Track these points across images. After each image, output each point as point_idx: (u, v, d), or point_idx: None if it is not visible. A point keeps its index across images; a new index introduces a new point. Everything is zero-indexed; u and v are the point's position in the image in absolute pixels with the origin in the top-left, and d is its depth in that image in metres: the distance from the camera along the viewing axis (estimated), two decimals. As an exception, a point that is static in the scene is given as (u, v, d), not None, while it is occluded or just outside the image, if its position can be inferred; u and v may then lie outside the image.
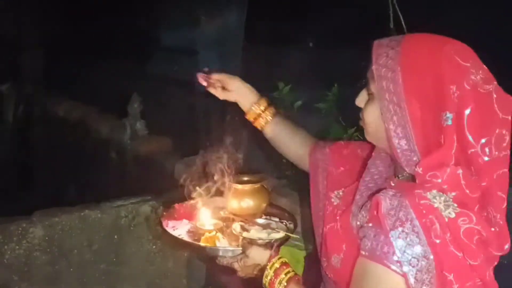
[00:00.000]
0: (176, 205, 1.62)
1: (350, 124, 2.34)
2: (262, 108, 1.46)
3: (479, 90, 1.01)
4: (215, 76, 1.50)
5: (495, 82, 1.04)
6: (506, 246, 1.04)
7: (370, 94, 1.13)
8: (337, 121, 2.32)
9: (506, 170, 1.05)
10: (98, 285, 2.17)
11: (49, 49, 5.76)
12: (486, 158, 1.01)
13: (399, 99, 1.04)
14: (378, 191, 1.05)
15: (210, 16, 3.65)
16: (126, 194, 2.31)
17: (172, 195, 2.32)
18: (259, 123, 1.47)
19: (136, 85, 4.11)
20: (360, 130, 1.94)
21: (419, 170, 1.02)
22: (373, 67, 1.08)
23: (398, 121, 1.05)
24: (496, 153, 1.02)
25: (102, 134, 3.84)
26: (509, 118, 1.04)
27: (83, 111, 4.23)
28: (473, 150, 1.01)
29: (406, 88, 1.03)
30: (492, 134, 1.02)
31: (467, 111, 1.00)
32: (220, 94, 1.50)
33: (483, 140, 1.01)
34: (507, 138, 1.04)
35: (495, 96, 1.03)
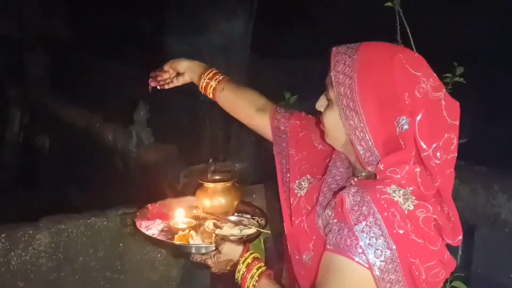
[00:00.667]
0: (149, 205, 1.67)
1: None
2: (210, 75, 1.53)
3: (428, 97, 1.09)
4: (165, 67, 1.60)
5: (444, 90, 1.12)
6: (460, 237, 1.14)
7: (329, 100, 1.18)
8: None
9: (453, 169, 1.14)
10: (102, 292, 2.18)
11: (57, 55, 5.80)
12: (437, 161, 1.09)
13: (355, 105, 1.10)
14: (341, 189, 1.12)
15: (218, 25, 3.67)
16: (131, 201, 2.32)
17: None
18: (209, 91, 1.54)
19: (142, 93, 4.13)
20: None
21: (381, 166, 1.10)
22: (331, 73, 1.14)
23: (356, 125, 1.11)
24: (445, 156, 1.10)
25: (109, 141, 3.86)
26: (457, 123, 1.12)
27: (90, 118, 4.25)
28: (425, 153, 1.09)
29: (361, 94, 1.10)
30: (441, 139, 1.09)
31: (418, 117, 1.07)
32: (176, 82, 1.59)
33: (434, 145, 1.09)
34: (455, 141, 1.12)
35: (443, 103, 1.10)
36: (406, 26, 2.06)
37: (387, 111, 1.08)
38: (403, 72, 1.08)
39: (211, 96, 1.55)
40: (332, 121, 1.17)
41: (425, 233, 1.05)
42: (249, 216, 1.62)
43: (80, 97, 4.90)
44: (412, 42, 2.03)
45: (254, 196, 2.34)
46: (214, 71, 1.54)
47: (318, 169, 1.35)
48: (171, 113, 4.43)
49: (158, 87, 1.65)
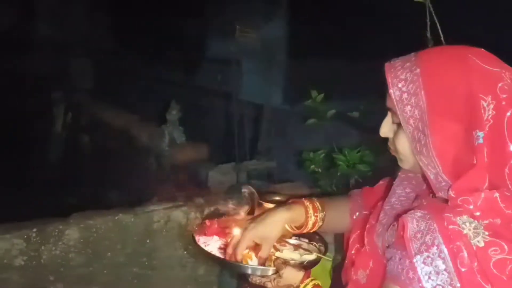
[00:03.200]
0: (207, 222, 1.63)
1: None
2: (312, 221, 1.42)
3: None
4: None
5: None
6: None
7: (395, 123, 1.09)
8: (371, 132, 2.30)
9: None
10: (130, 287, 2.21)
11: (94, 56, 5.95)
12: None
13: (423, 126, 0.99)
14: (406, 210, 1.01)
15: (252, 26, 3.69)
16: (161, 199, 2.35)
17: (205, 202, 2.35)
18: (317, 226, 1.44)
19: (176, 93, 4.20)
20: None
21: (452, 193, 0.97)
22: (391, 91, 1.02)
23: (421, 148, 1.00)
24: None
25: (142, 141, 3.93)
26: None
27: (125, 118, 4.34)
28: None
29: (432, 113, 0.97)
30: None
31: (507, 117, 0.94)
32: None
33: None
34: None
35: None
36: (436, 22, 2.01)
37: (463, 126, 0.97)
38: (481, 72, 0.97)
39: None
40: (405, 145, 1.06)
41: (494, 277, 0.91)
42: (307, 240, 1.54)
43: (116, 97, 5.01)
44: (442, 38, 1.98)
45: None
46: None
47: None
48: (203, 113, 4.48)
49: None
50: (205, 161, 3.22)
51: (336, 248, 1.74)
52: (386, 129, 1.12)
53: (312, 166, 2.24)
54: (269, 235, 1.34)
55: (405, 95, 1.00)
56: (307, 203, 1.42)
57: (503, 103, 0.95)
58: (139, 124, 4.18)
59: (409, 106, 1.00)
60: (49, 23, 6.35)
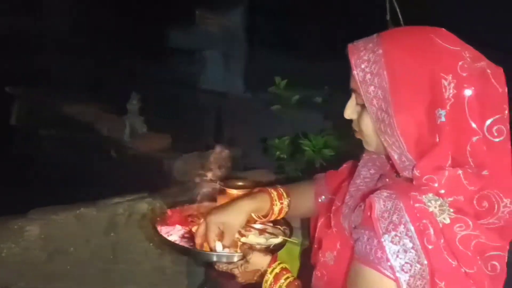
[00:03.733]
0: (169, 211, 1.61)
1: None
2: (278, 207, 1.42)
3: (473, 72, 0.96)
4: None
5: (484, 57, 0.99)
6: None
7: (358, 104, 1.08)
8: (335, 117, 2.31)
9: (509, 145, 0.99)
10: (96, 282, 2.16)
11: (48, 46, 5.76)
12: (496, 140, 0.97)
13: (387, 105, 0.99)
14: (371, 192, 1.02)
15: (212, 16, 3.65)
16: (124, 191, 2.30)
17: (170, 192, 2.32)
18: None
19: (136, 83, 4.12)
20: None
21: (417, 172, 0.98)
22: (354, 72, 1.02)
23: (385, 128, 1.00)
24: (504, 129, 0.97)
25: (101, 131, 3.84)
26: (506, 90, 0.99)
27: (82, 108, 4.23)
28: (477, 137, 0.96)
29: (394, 93, 0.98)
30: (501, 111, 0.97)
31: (467, 96, 0.95)
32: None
33: (488, 122, 0.96)
34: (507, 112, 0.99)
35: (489, 71, 0.97)
36: (396, 6, 2.03)
37: (425, 104, 0.97)
38: (442, 51, 0.97)
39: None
40: (369, 125, 1.06)
41: (460, 253, 0.93)
42: (271, 224, 1.53)
43: (72, 87, 4.87)
44: (402, 22, 2.00)
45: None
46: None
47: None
48: (165, 102, 4.41)
49: None
50: (169, 151, 3.17)
51: (303, 233, 1.75)
52: (349, 110, 1.11)
53: (278, 153, 2.24)
54: (233, 224, 1.33)
55: (368, 76, 1.00)
56: (271, 190, 1.42)
57: (464, 81, 0.95)
58: (98, 115, 4.08)
59: (372, 87, 1.00)
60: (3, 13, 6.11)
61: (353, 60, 1.02)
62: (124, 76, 5.02)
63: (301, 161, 2.27)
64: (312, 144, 2.08)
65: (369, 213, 0.98)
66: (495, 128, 0.97)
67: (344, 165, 1.45)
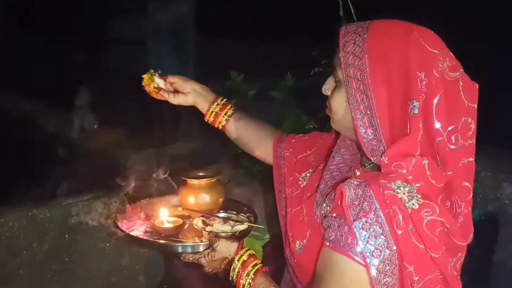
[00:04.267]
0: (129, 207, 1.59)
1: (305, 112, 2.35)
2: (224, 103, 1.44)
3: (446, 77, 1.00)
4: (170, 79, 1.46)
5: (462, 70, 1.03)
6: (471, 236, 1.05)
7: (337, 81, 1.11)
8: (292, 109, 2.33)
9: (472, 159, 1.04)
10: (51, 285, 2.10)
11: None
12: (452, 147, 1.01)
13: (366, 87, 1.02)
14: (343, 180, 1.05)
15: (164, 5, 3.57)
16: (77, 191, 2.23)
17: (124, 190, 2.26)
18: (219, 123, 1.44)
19: (85, 76, 3.99)
20: (316, 118, 1.95)
21: (385, 160, 1.01)
22: (340, 54, 1.06)
23: (365, 109, 1.03)
24: (462, 141, 1.01)
25: (49, 129, 3.70)
26: (475, 106, 1.03)
27: (27, 105, 4.06)
28: (440, 138, 1.00)
29: (373, 76, 1.01)
30: (459, 122, 1.01)
31: (436, 99, 0.99)
32: (173, 99, 1.44)
33: (450, 128, 1.00)
34: (473, 126, 1.03)
35: (461, 84, 1.02)
36: (349, 1, 2.06)
37: (401, 94, 1.00)
38: (421, 50, 1.00)
39: (220, 125, 1.44)
40: (340, 104, 1.09)
41: (426, 237, 0.97)
42: (235, 212, 1.55)
43: (16, 84, 4.67)
44: (355, 18, 2.04)
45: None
46: (225, 101, 1.45)
47: (319, 159, 1.31)
48: (116, 96, 4.30)
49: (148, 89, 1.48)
50: (123, 148, 3.09)
51: (267, 229, 1.76)
52: (327, 86, 1.15)
53: (235, 147, 2.23)
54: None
55: (350, 57, 1.04)
56: (220, 99, 1.44)
57: (434, 83, 0.99)
58: (45, 111, 3.93)
59: (353, 68, 1.03)
60: None
61: (341, 42, 1.06)
62: (71, 69, 4.86)
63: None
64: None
65: (339, 201, 1.01)
66: (453, 135, 1.01)
67: (308, 134, 1.45)
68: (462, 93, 1.02)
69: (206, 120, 1.46)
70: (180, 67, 3.54)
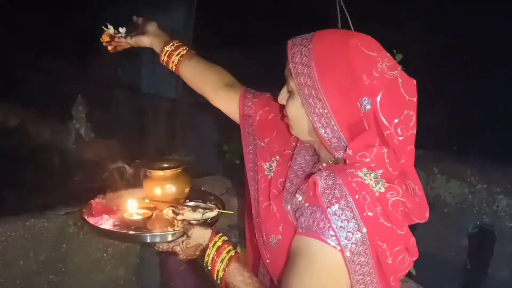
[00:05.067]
0: (92, 202, 1.60)
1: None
2: (178, 44, 1.50)
3: (386, 76, 1.11)
4: (136, 19, 1.56)
5: (399, 68, 1.14)
6: (427, 215, 1.16)
7: (290, 91, 1.19)
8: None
9: (413, 146, 1.16)
10: (47, 296, 2.08)
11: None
12: (400, 138, 1.12)
13: (317, 92, 1.11)
14: (309, 175, 1.14)
15: (158, 16, 3.58)
16: (73, 200, 2.22)
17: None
18: (173, 59, 1.49)
19: (80, 88, 3.99)
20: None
21: (350, 152, 1.11)
22: (290, 65, 1.15)
23: (320, 112, 1.12)
24: (406, 132, 1.13)
25: (46, 139, 3.70)
26: (415, 99, 1.15)
27: (24, 115, 4.06)
28: (388, 132, 1.11)
29: (322, 81, 1.11)
30: (401, 115, 1.12)
31: (379, 96, 1.10)
32: (129, 40, 1.53)
33: (396, 121, 1.11)
34: (414, 118, 1.15)
35: (400, 80, 1.13)
36: (347, 15, 2.09)
37: (349, 94, 1.10)
38: (359, 54, 1.10)
39: (173, 65, 1.50)
40: (295, 111, 1.18)
41: (393, 216, 1.07)
42: (201, 200, 1.58)
43: (13, 93, 4.66)
44: (352, 30, 2.07)
45: (202, 188, 2.32)
46: (180, 43, 1.51)
47: (286, 147, 1.35)
48: (112, 107, 4.31)
49: (108, 46, 1.58)
50: (119, 158, 3.10)
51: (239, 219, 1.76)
52: (281, 96, 1.23)
53: (228, 156, 2.25)
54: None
55: (299, 67, 1.14)
56: (176, 41, 1.51)
57: (376, 83, 1.10)
58: (41, 122, 3.93)
59: (303, 77, 1.13)
60: None
61: (290, 54, 1.16)
62: (66, 81, 4.86)
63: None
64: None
65: (312, 192, 1.09)
66: (399, 128, 1.11)
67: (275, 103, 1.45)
68: (402, 89, 1.13)
69: (161, 61, 1.52)
70: (174, 78, 3.54)
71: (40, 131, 3.81)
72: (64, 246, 2.10)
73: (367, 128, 1.11)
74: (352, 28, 2.10)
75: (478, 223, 2.50)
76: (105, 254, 2.20)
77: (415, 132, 1.16)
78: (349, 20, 2.11)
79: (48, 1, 5.25)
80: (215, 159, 2.56)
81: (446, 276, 2.54)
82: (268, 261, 1.27)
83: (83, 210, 1.58)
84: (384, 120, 1.10)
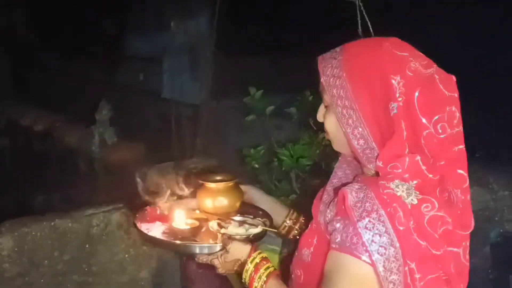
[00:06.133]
0: (148, 208, 1.64)
1: (321, 129, 2.38)
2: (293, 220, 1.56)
3: (421, 74, 1.08)
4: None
5: (435, 65, 1.12)
6: (472, 223, 1.10)
7: (326, 106, 1.19)
8: (308, 126, 2.35)
9: (463, 146, 1.11)
10: (71, 295, 2.13)
11: (14, 55, 5.62)
12: (441, 136, 1.07)
13: (350, 102, 1.10)
14: (344, 185, 1.11)
15: (180, 23, 3.64)
16: (97, 202, 2.27)
17: (143, 203, 2.30)
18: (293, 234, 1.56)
19: (104, 92, 4.07)
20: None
21: (380, 163, 1.08)
22: (322, 79, 1.15)
23: (354, 123, 1.11)
24: (449, 130, 1.08)
25: (71, 143, 3.79)
26: (456, 95, 1.11)
27: (50, 120, 4.15)
28: (427, 131, 1.06)
29: (354, 90, 1.10)
30: (444, 111, 1.08)
31: (416, 94, 1.06)
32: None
33: (435, 118, 1.07)
34: (457, 114, 1.10)
35: (437, 77, 1.10)
36: (367, 20, 2.10)
37: (380, 100, 1.08)
38: (391, 56, 1.09)
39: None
40: (333, 125, 1.17)
41: (428, 234, 1.01)
42: (252, 216, 1.58)
43: (40, 98, 4.77)
44: (372, 35, 2.07)
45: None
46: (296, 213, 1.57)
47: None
48: (134, 112, 4.37)
49: None
50: (142, 161, 3.15)
51: (283, 241, 1.77)
52: (320, 113, 1.23)
53: (253, 162, 2.26)
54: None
55: (331, 79, 1.13)
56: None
57: (412, 82, 1.07)
58: (66, 126, 4.02)
59: (335, 89, 1.12)
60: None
61: (320, 69, 1.16)
62: (91, 85, 4.95)
63: (275, 171, 2.30)
64: (290, 154, 2.11)
65: (342, 205, 1.06)
66: (439, 125, 1.07)
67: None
68: (440, 85, 1.09)
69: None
70: (197, 83, 3.59)
71: (66, 135, 3.89)
72: (87, 246, 2.14)
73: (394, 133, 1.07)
74: (372, 33, 2.10)
75: (502, 230, 2.47)
76: (127, 255, 2.23)
77: (461, 130, 1.11)
78: (370, 26, 2.11)
79: (75, 5, 5.36)
80: (236, 163, 2.59)
81: (469, 286, 2.50)
82: (301, 277, 1.25)
83: (137, 215, 1.63)
84: (422, 118, 1.05)
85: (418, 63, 1.09)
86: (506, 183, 2.45)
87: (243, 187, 1.59)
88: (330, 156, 2.12)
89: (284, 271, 1.58)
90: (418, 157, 1.05)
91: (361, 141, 1.11)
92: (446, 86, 1.09)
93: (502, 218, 2.46)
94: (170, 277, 2.38)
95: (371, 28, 2.12)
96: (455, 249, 1.07)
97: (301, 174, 2.21)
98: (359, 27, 2.16)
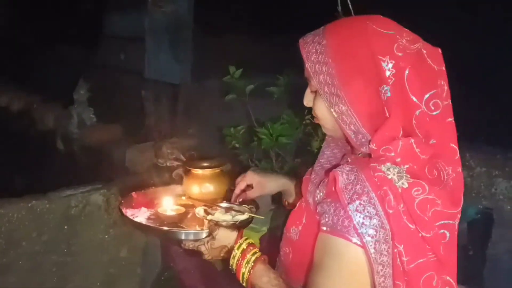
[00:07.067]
0: (134, 194, 1.63)
1: (302, 108, 2.37)
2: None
3: (408, 51, 1.06)
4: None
5: (421, 40, 1.09)
6: (461, 197, 1.09)
7: (313, 92, 1.17)
8: (289, 106, 2.35)
9: (451, 119, 1.10)
10: (49, 276, 2.11)
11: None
12: (434, 113, 1.06)
13: (337, 89, 1.08)
14: (335, 167, 1.09)
15: (160, 1, 3.57)
16: (76, 183, 2.25)
17: (123, 183, 2.29)
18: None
19: (82, 72, 4.00)
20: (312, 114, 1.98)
21: (373, 146, 1.06)
22: (307, 65, 1.12)
23: (341, 109, 1.09)
24: (441, 103, 1.07)
25: (48, 123, 3.72)
26: (443, 68, 1.09)
27: (27, 100, 4.07)
28: (419, 110, 1.05)
29: (340, 77, 1.07)
30: (436, 87, 1.07)
31: (406, 73, 1.04)
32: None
33: (427, 95, 1.05)
34: (446, 87, 1.09)
35: (424, 51, 1.08)
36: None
37: (370, 84, 1.06)
38: (378, 36, 1.06)
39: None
40: (323, 111, 1.15)
41: (418, 217, 1.00)
42: (237, 203, 1.58)
43: (15, 78, 4.67)
44: (352, 12, 2.06)
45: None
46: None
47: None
48: (113, 92, 4.31)
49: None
50: (121, 142, 3.12)
51: (267, 221, 1.79)
52: (307, 99, 1.20)
53: (233, 142, 2.26)
54: (267, 186, 1.55)
55: (317, 66, 1.10)
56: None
57: (400, 61, 1.05)
58: (43, 106, 3.95)
59: (322, 75, 1.09)
60: None
61: (304, 54, 1.12)
62: (69, 65, 4.85)
63: (255, 150, 2.30)
64: (269, 133, 2.10)
65: (333, 187, 1.05)
66: (431, 102, 1.06)
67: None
68: (428, 60, 1.08)
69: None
70: (177, 63, 3.54)
71: (44, 115, 3.83)
72: (66, 227, 2.12)
73: (388, 116, 1.06)
74: (352, 12, 2.09)
75: (480, 206, 2.50)
76: (106, 236, 2.22)
77: (450, 103, 1.10)
78: (350, 3, 2.10)
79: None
80: (217, 143, 2.57)
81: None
82: (289, 254, 1.26)
83: (122, 201, 1.64)
84: (414, 98, 1.04)
85: (405, 40, 1.06)
86: (483, 160, 2.48)
87: (248, 178, 1.57)
88: (311, 134, 2.13)
89: (263, 249, 1.59)
90: (412, 140, 1.04)
91: (352, 127, 1.09)
92: (434, 60, 1.08)
93: (479, 194, 2.49)
94: (151, 256, 2.38)
95: (350, 6, 2.10)
96: (445, 231, 1.06)
97: (281, 153, 2.20)
98: (339, 5, 2.14)
